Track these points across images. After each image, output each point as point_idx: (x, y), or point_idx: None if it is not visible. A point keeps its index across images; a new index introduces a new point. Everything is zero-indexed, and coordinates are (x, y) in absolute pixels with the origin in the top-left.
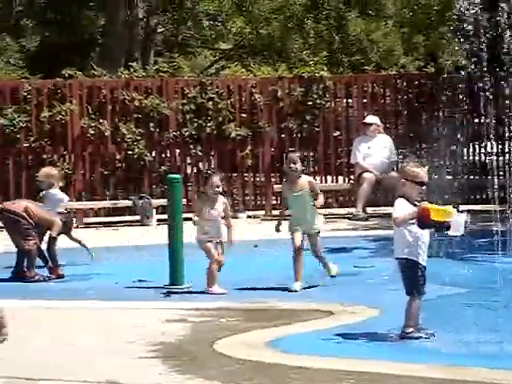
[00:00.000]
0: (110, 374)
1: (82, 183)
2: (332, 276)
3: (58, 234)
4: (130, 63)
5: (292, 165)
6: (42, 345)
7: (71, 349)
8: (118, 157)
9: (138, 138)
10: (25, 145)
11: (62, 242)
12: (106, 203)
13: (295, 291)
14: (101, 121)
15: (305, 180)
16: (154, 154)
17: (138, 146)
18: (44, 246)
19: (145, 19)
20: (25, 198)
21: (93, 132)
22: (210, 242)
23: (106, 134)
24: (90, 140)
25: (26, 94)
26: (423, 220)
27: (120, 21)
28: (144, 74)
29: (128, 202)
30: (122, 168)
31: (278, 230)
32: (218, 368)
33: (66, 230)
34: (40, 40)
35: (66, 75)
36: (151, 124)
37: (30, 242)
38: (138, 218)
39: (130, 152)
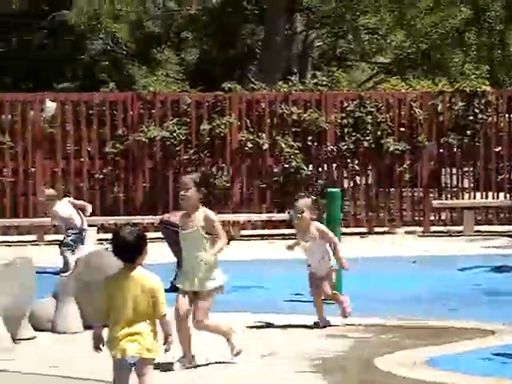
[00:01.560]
0: None
1: (239, 196)
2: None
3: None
4: (288, 77)
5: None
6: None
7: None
8: (275, 170)
9: (296, 151)
10: (184, 157)
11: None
12: (263, 216)
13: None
14: (259, 134)
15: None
16: (311, 167)
17: (296, 159)
18: None
19: (303, 32)
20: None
21: (251, 145)
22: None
23: (264, 147)
24: (247, 153)
25: (186, 106)
26: None
27: (279, 34)
28: (302, 87)
29: (284, 216)
30: (279, 181)
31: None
32: None
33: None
34: (199, 53)
35: (226, 88)
36: (309, 138)
37: None
38: (293, 231)
39: (288, 165)
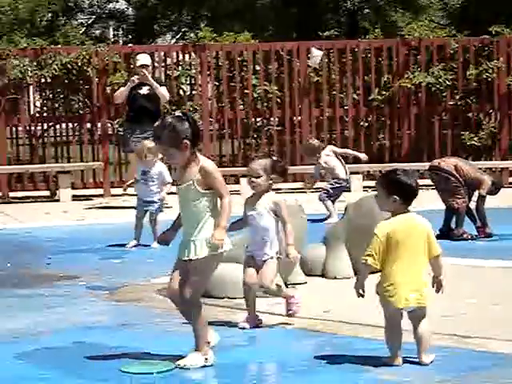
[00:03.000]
0: None
1: (507, 141)
2: None
3: (488, 194)
4: None
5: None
6: (477, 302)
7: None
8: None
9: None
10: (450, 103)
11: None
12: None
13: None
14: None
15: None
16: None
17: None
18: (472, 205)
19: None
20: (450, 156)
21: None
22: None
23: None
24: None
25: (452, 51)
26: None
27: None
28: None
29: None
30: None
31: None
32: None
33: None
34: None
35: (493, 32)
36: None
37: (459, 200)
38: None
39: None
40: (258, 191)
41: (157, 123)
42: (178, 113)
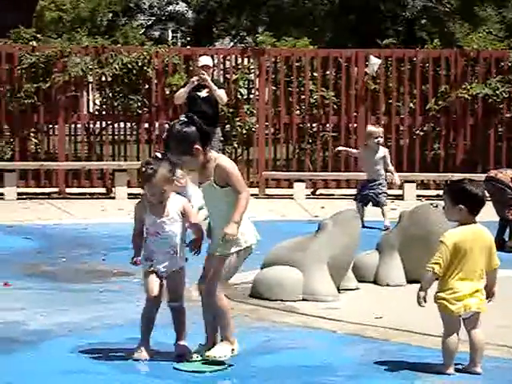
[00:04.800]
0: None
1: None
2: None
3: None
4: None
5: None
6: None
7: None
8: None
9: None
10: (507, 115)
11: None
12: None
13: None
14: None
15: None
16: None
17: None
18: None
19: None
20: (506, 167)
21: None
22: None
23: None
24: None
25: (510, 64)
26: None
27: None
28: None
29: None
30: None
31: None
32: None
33: None
34: None
35: None
36: None
37: None
38: None
39: None
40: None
41: (165, 134)
42: (182, 117)
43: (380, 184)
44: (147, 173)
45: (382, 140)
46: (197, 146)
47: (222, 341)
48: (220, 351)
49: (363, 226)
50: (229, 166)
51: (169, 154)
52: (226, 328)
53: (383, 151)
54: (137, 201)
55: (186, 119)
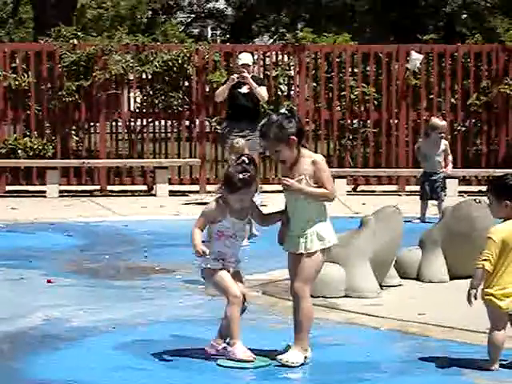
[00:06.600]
0: None
1: None
2: None
3: None
4: None
5: None
6: None
7: None
8: None
9: None
10: None
11: None
12: None
13: None
14: None
15: None
16: None
17: None
18: None
19: None
20: None
21: None
22: None
23: None
24: None
25: None
26: None
27: None
28: None
29: None
30: None
31: None
32: None
33: None
34: None
35: None
36: None
37: None
38: None
39: None
40: None
41: (263, 121)
42: (283, 110)
43: (439, 177)
44: (245, 179)
45: (444, 135)
46: (293, 137)
47: (295, 344)
48: (294, 357)
49: (423, 222)
50: (324, 163)
51: (264, 141)
52: (305, 332)
53: (444, 143)
54: (178, 198)
55: (286, 112)
